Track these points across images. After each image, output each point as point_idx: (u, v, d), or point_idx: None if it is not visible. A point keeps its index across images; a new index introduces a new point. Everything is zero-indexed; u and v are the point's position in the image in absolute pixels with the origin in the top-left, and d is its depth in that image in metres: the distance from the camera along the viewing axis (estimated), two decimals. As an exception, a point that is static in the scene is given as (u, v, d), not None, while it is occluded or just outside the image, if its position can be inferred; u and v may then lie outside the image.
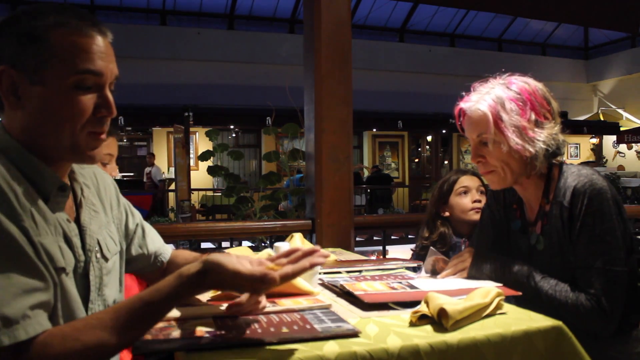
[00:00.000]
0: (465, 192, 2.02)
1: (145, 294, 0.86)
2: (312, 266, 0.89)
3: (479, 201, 1.98)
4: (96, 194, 1.09)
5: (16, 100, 0.91)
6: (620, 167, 13.66)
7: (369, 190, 11.49)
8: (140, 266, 1.23)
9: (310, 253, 0.92)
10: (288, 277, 0.88)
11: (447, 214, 2.06)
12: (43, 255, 0.85)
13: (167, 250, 1.28)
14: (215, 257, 0.87)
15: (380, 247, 4.17)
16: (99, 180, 1.12)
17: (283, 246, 1.80)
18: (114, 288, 1.06)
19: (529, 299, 1.25)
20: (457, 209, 2.02)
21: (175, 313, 1.00)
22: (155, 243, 1.25)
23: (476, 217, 1.95)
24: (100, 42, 0.93)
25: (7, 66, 0.89)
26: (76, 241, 0.96)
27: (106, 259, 1.03)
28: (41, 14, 0.90)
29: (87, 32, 0.91)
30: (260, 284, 0.86)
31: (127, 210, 1.19)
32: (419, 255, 2.07)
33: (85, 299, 0.97)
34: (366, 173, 12.70)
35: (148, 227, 1.25)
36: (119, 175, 1.74)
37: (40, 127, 0.91)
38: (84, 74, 0.90)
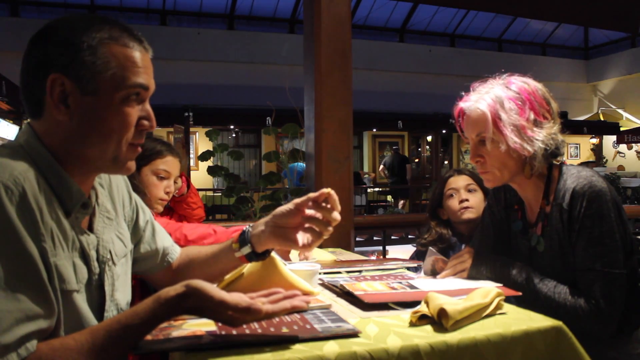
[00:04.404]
0: (453, 194, 2.03)
1: (123, 317, 0.85)
2: (292, 308, 0.90)
3: (467, 200, 1.99)
4: (108, 193, 1.09)
5: (65, 109, 0.90)
6: (620, 167, 13.64)
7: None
8: (148, 266, 1.22)
9: (291, 296, 0.93)
10: (267, 316, 0.89)
11: (445, 217, 2.08)
12: (55, 279, 0.86)
13: (175, 251, 1.26)
14: (198, 282, 0.86)
15: (380, 247, 4.17)
16: (110, 178, 1.11)
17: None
18: (126, 291, 1.07)
19: (528, 301, 1.25)
20: (449, 212, 2.05)
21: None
22: (164, 242, 1.24)
23: (466, 215, 1.97)
24: (147, 58, 0.97)
25: (60, 74, 0.89)
26: (93, 254, 0.96)
27: (115, 264, 1.03)
28: (94, 26, 0.92)
29: (137, 47, 0.95)
30: (244, 314, 0.86)
31: (138, 207, 1.19)
32: (420, 252, 2.10)
33: (101, 308, 0.98)
34: (367, 176, 12.77)
35: (158, 225, 1.25)
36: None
37: (86, 137, 0.92)
38: (135, 87, 0.93)
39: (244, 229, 1.16)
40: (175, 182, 1.89)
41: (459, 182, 2.04)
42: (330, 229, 1.07)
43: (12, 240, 0.80)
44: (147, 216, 1.21)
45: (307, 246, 1.08)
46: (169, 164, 1.82)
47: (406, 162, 12.28)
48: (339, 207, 1.07)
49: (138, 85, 0.93)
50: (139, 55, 0.94)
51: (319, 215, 1.07)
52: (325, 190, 1.06)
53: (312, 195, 1.07)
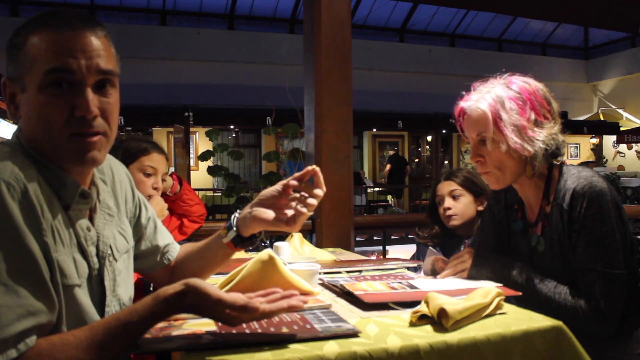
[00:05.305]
0: (440, 202, 2.07)
1: (122, 314, 0.86)
2: (289, 308, 0.90)
3: (449, 208, 2.03)
4: (111, 189, 1.09)
5: (15, 109, 0.92)
6: (620, 167, 13.64)
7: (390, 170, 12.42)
8: (147, 264, 1.22)
9: (288, 296, 0.93)
10: (265, 315, 0.89)
11: None
12: (57, 274, 0.86)
13: (174, 249, 1.26)
14: (197, 281, 0.86)
15: (380, 247, 4.17)
16: (114, 173, 1.11)
17: (283, 246, 1.80)
18: (128, 287, 1.07)
19: (529, 301, 1.25)
20: (442, 218, 2.08)
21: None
22: (164, 240, 1.24)
23: (451, 223, 2.03)
24: (75, 39, 0.88)
25: (6, 77, 0.92)
26: (92, 249, 0.96)
27: (116, 260, 1.03)
28: (31, 21, 0.91)
29: (61, 30, 0.88)
30: (241, 312, 0.86)
31: (141, 203, 1.19)
32: (420, 246, 2.14)
33: (102, 303, 0.98)
34: (366, 178, 12.85)
35: (159, 223, 1.25)
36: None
37: (32, 133, 0.91)
38: (52, 73, 0.87)
39: (232, 215, 1.18)
40: (163, 180, 1.90)
41: (443, 189, 2.07)
42: (315, 203, 1.09)
43: (13, 236, 0.80)
44: (149, 213, 1.21)
45: (294, 224, 1.10)
46: (155, 160, 1.85)
47: (405, 164, 12.43)
48: (324, 187, 1.10)
49: (54, 69, 0.86)
50: (62, 37, 0.87)
51: (303, 192, 1.10)
52: (310, 167, 1.09)
53: (297, 174, 1.10)
